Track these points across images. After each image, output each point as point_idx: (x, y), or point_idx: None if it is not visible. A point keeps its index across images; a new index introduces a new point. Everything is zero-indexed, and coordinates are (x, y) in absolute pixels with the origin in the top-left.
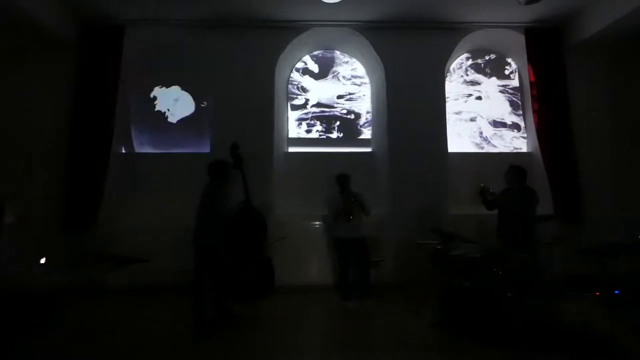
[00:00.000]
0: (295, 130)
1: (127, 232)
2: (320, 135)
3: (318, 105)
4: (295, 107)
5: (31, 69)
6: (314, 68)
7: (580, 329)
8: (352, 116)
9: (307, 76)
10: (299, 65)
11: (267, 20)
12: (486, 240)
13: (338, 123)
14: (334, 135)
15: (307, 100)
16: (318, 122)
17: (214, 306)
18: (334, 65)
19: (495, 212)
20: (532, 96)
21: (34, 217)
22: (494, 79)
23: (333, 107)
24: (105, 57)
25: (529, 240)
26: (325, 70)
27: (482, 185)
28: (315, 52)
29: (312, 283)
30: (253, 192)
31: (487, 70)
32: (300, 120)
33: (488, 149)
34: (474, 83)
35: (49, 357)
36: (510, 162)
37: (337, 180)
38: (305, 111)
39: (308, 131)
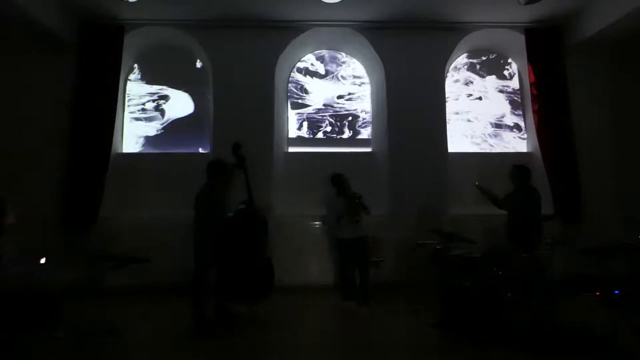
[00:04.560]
0: (298, 130)
1: (127, 231)
2: (326, 135)
3: (323, 104)
4: (299, 106)
5: (31, 69)
6: (315, 68)
7: (580, 329)
8: (363, 113)
9: (308, 76)
10: (300, 65)
11: (267, 20)
12: (487, 240)
13: (350, 118)
14: (345, 134)
15: (313, 101)
16: (328, 120)
17: (214, 306)
18: (334, 65)
19: (494, 212)
20: (532, 96)
21: (34, 217)
22: (493, 79)
23: (333, 107)
24: (105, 57)
25: (537, 240)
26: (325, 70)
27: (476, 183)
28: (316, 52)
29: (312, 283)
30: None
31: (487, 70)
32: (305, 119)
33: (488, 149)
34: (473, 83)
35: (48, 357)
36: (511, 163)
37: (334, 181)
38: (310, 109)
39: (316, 130)
